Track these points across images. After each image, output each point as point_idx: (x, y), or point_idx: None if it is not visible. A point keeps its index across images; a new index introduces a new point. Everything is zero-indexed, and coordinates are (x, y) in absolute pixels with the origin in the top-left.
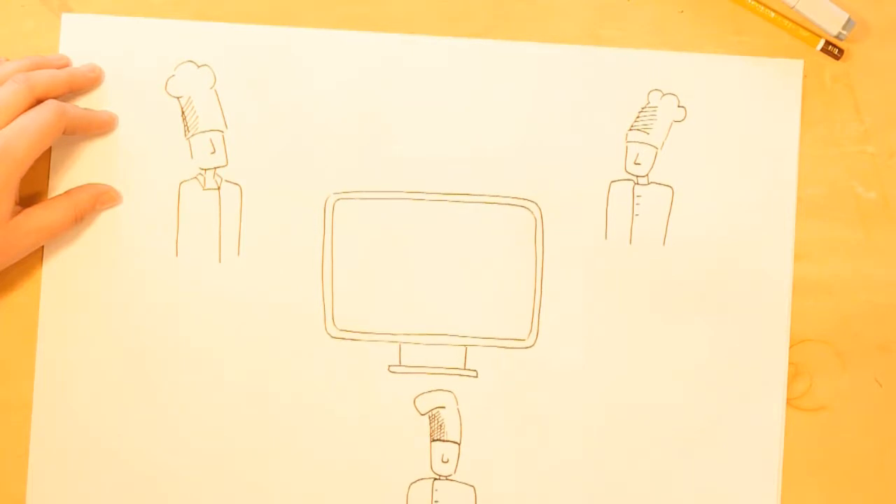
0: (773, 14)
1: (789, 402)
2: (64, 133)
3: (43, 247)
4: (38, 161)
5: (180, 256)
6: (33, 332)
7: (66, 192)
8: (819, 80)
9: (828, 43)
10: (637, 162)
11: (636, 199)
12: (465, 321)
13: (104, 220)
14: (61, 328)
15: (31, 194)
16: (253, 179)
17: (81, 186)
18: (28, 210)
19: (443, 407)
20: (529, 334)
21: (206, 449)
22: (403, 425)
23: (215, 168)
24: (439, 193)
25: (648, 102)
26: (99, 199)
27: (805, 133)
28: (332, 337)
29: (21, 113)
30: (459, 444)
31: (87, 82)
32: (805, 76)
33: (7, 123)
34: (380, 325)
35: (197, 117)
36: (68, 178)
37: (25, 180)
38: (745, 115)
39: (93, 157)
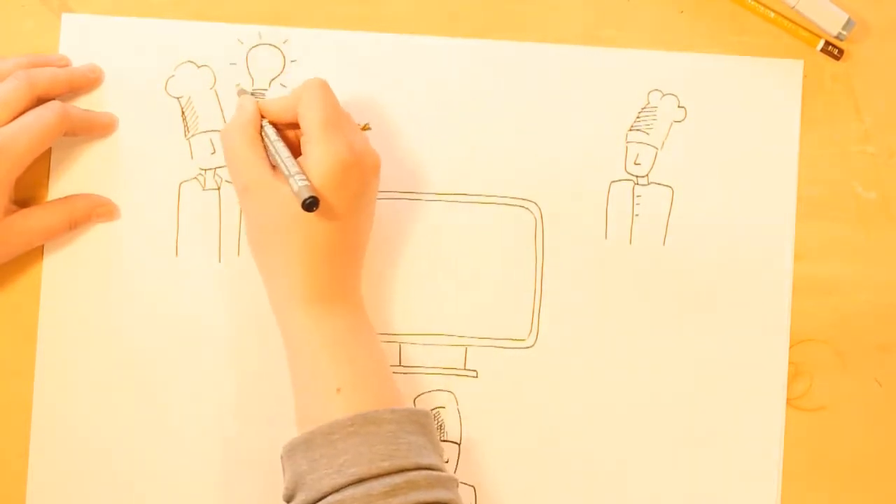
0: (773, 14)
1: (789, 402)
2: (64, 134)
3: (43, 247)
4: (37, 160)
5: (180, 256)
6: (33, 332)
7: (64, 198)
8: (819, 81)
9: (828, 43)
10: (637, 162)
11: (636, 199)
12: (465, 321)
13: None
14: (61, 328)
15: (30, 195)
16: None
17: (81, 195)
18: (24, 210)
19: (443, 407)
20: (529, 334)
21: (206, 448)
22: None
23: (215, 168)
24: (439, 193)
25: (648, 103)
26: (96, 211)
27: (805, 133)
28: None
29: (21, 110)
30: (459, 445)
31: (87, 82)
32: (805, 76)
33: (7, 120)
34: (379, 326)
35: (197, 117)
36: (68, 177)
37: (26, 179)
38: (746, 115)
39: (93, 157)
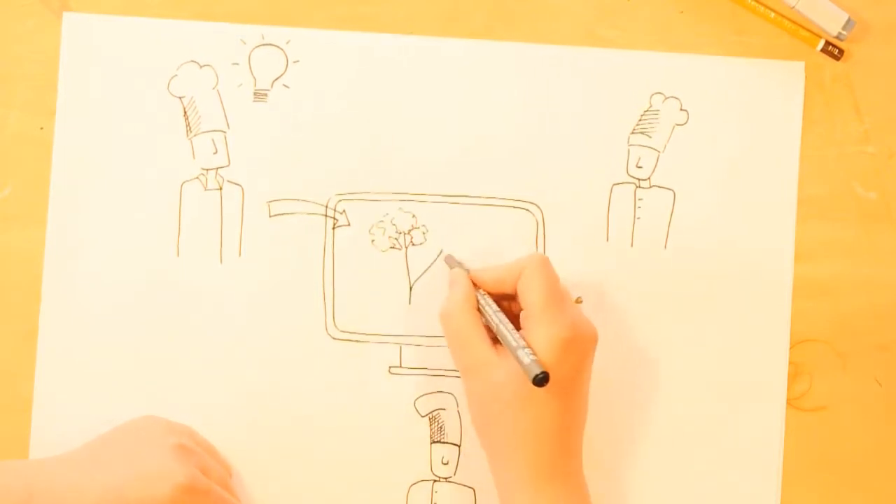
0: (773, 14)
1: (789, 402)
2: None
3: (44, 247)
4: (38, 159)
5: (181, 257)
6: (33, 332)
7: None
8: (819, 81)
9: (828, 43)
10: (639, 165)
11: (638, 202)
12: None
13: (105, 220)
14: (61, 328)
15: (30, 195)
16: (255, 180)
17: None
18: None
19: (443, 409)
20: None
21: None
22: (403, 427)
23: (217, 168)
24: (441, 195)
25: (651, 105)
26: None
27: (805, 133)
28: (333, 338)
29: None
30: (459, 446)
31: None
32: (805, 76)
33: None
34: (381, 327)
35: (199, 117)
36: (70, 177)
37: (25, 179)
38: (748, 118)
39: (95, 156)
